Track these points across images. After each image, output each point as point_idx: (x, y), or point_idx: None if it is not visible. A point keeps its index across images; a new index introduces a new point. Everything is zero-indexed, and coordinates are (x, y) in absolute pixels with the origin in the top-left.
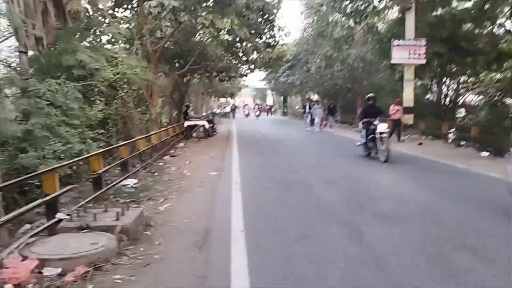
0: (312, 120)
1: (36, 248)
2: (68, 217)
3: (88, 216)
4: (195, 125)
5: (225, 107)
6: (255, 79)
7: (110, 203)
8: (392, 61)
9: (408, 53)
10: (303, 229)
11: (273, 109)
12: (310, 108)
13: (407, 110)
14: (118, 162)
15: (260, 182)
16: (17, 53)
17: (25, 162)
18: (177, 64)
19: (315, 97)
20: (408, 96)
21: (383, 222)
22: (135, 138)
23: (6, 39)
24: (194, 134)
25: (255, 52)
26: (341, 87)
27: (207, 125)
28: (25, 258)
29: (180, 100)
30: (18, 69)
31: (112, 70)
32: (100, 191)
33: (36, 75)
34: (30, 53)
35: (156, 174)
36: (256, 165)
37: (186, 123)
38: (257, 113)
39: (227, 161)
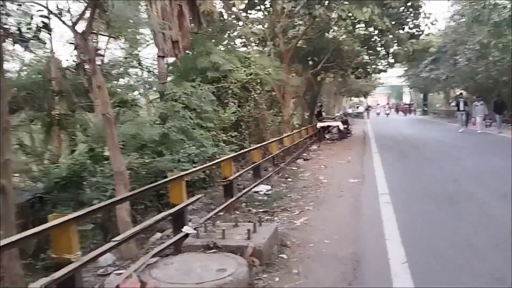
0: (467, 120)
1: (156, 271)
2: (195, 232)
3: (216, 232)
4: (328, 126)
5: (358, 107)
6: (391, 76)
7: (241, 213)
8: None
9: None
10: (495, 267)
11: (412, 108)
12: (465, 105)
13: None
14: (250, 167)
15: (415, 194)
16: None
17: (161, 165)
18: (310, 62)
19: (463, 93)
20: None
21: None
22: (268, 141)
23: (147, 46)
24: (327, 136)
25: (395, 45)
26: (497, 81)
27: (341, 126)
28: (143, 284)
29: (313, 101)
30: (156, 73)
31: (245, 71)
32: (231, 200)
33: (174, 79)
34: (170, 60)
35: (289, 179)
36: (404, 172)
37: (319, 124)
38: (387, 111)
39: (368, 167)
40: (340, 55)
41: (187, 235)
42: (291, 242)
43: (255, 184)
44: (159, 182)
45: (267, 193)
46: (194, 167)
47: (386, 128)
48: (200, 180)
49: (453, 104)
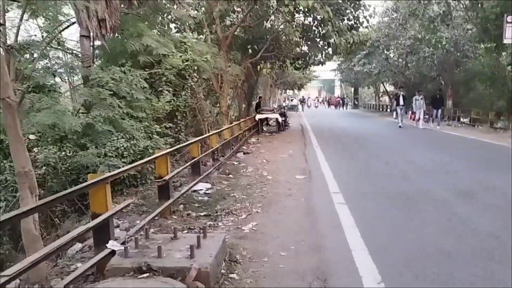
0: (397, 114)
1: None
2: (123, 247)
3: (150, 248)
4: (267, 119)
5: (292, 99)
6: (323, 70)
7: (179, 218)
8: (506, 41)
9: None
10: (473, 273)
11: (345, 101)
12: (404, 99)
13: None
14: (189, 163)
15: (368, 193)
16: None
17: (84, 160)
18: (250, 51)
19: (389, 88)
20: None
21: None
22: (208, 134)
23: (70, 25)
24: (265, 128)
25: (335, 36)
26: (425, 77)
27: (280, 119)
28: None
29: (250, 92)
30: (80, 56)
31: (180, 56)
32: (167, 203)
33: (100, 62)
34: (97, 43)
35: (231, 176)
36: (352, 168)
37: (258, 116)
38: (316, 105)
39: (313, 161)
40: (279, 45)
41: (113, 252)
42: (241, 256)
43: (194, 182)
44: (74, 188)
45: (207, 192)
46: (124, 162)
47: (322, 121)
48: (131, 177)
49: (381, 99)
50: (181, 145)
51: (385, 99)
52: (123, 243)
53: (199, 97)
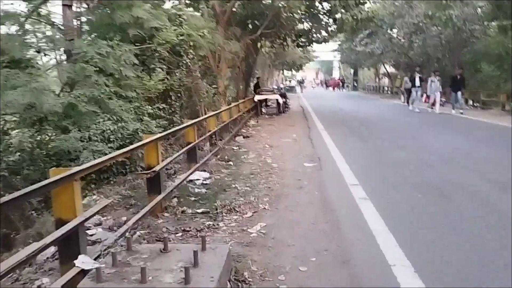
0: (406, 97)
1: None
2: (95, 266)
3: (132, 265)
4: (266, 100)
5: (290, 81)
6: (323, 50)
7: (172, 215)
8: None
9: None
10: None
11: (345, 84)
12: (421, 81)
13: None
14: (183, 150)
15: (391, 184)
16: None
17: (65, 145)
18: (250, 26)
19: (389, 69)
20: None
21: None
22: (205, 116)
23: None
24: (264, 110)
25: (342, 11)
26: (430, 57)
27: (280, 100)
28: None
29: (248, 72)
30: (62, 27)
31: (175, 31)
32: (158, 199)
33: (88, 40)
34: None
35: (231, 163)
36: (366, 154)
37: (257, 97)
38: (313, 86)
39: (320, 147)
40: (280, 22)
41: (83, 271)
42: (250, 273)
43: (190, 171)
44: (29, 189)
45: (205, 182)
46: (110, 147)
47: (323, 103)
48: (118, 164)
49: (382, 80)
50: (175, 128)
51: (385, 81)
52: (97, 258)
53: (195, 76)
